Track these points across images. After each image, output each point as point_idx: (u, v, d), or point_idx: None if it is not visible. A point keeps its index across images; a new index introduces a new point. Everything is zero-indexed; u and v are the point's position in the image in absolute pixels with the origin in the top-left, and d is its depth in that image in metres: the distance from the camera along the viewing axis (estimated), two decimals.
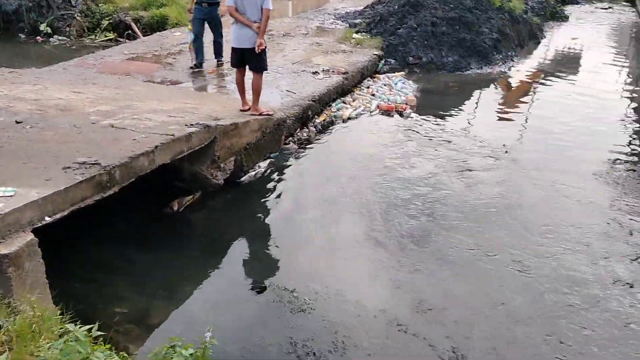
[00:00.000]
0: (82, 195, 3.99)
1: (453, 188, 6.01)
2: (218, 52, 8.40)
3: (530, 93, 9.40)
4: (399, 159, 6.70)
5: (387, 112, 8.19)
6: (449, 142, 7.21)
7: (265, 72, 6.41)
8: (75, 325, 2.77)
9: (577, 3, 16.80)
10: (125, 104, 6.11)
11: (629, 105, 8.94)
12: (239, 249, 5.05)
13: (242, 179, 6.10)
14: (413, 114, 8.12)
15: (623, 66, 11.36)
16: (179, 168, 5.53)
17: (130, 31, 11.87)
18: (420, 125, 7.78)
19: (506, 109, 8.66)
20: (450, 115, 8.26)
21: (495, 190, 6.01)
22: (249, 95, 6.42)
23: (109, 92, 6.71)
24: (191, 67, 8.28)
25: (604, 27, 14.16)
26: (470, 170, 6.45)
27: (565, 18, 14.65)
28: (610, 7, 15.68)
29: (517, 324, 4.04)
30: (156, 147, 4.69)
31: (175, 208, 5.43)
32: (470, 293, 4.38)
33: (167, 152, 4.83)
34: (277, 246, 5.04)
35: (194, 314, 4.14)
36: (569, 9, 15.62)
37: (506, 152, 6.93)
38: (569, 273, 4.58)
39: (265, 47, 6.09)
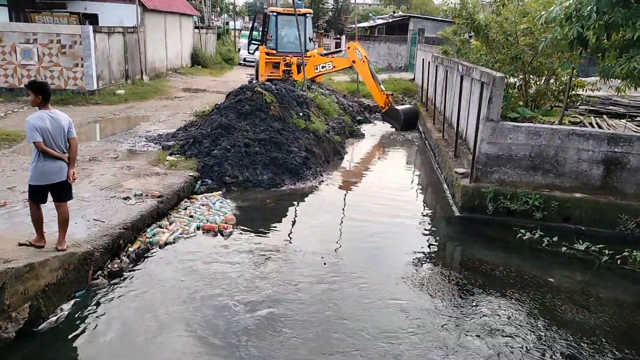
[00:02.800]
0: None
1: (279, 302, 5.99)
2: None
3: (341, 204, 10.14)
4: (221, 280, 6.51)
5: (208, 232, 8.06)
6: (270, 258, 7.27)
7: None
8: None
9: (370, 122, 19.17)
10: None
11: (422, 209, 10.14)
12: None
13: (40, 327, 5.29)
14: (234, 233, 8.11)
15: (413, 174, 13.02)
16: None
17: None
18: (242, 243, 7.76)
19: (320, 220, 9.14)
20: (270, 231, 8.43)
21: (317, 298, 6.18)
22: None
23: None
24: None
25: (395, 142, 16.27)
26: (293, 283, 6.54)
27: (361, 135, 16.53)
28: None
29: None
30: None
31: None
32: None
33: None
34: None
35: None
36: (364, 127, 17.71)
37: (325, 263, 7.21)
38: None
39: None
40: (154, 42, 23.95)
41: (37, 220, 5.78)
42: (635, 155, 8.67)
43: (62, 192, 5.85)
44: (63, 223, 5.89)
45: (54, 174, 5.67)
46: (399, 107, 17.49)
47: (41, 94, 5.60)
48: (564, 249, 7.87)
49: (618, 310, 6.39)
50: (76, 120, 5.98)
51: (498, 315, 6.10)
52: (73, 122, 6.00)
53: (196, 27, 31.98)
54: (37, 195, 5.71)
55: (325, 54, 21.10)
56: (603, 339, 5.73)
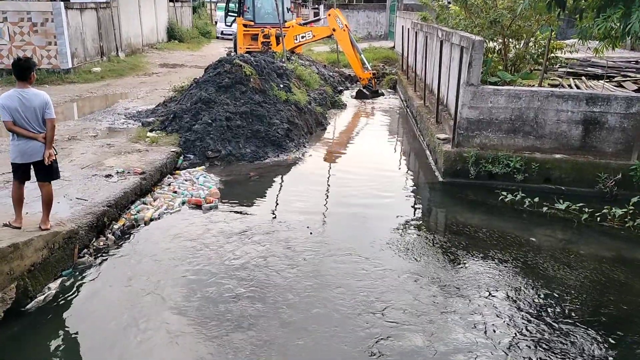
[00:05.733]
0: None
1: (267, 272, 6.03)
2: None
3: (324, 174, 10.15)
4: (207, 254, 6.53)
5: (193, 207, 8.04)
6: (256, 229, 7.29)
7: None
8: None
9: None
10: None
11: (405, 176, 10.22)
12: None
13: (28, 306, 5.28)
14: (219, 206, 8.09)
15: (396, 142, 13.06)
16: None
17: None
18: (227, 216, 7.76)
19: (305, 191, 9.16)
20: (255, 203, 8.44)
21: (305, 266, 6.23)
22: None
23: None
24: None
25: (377, 111, 16.26)
26: (280, 253, 6.58)
27: (343, 105, 16.48)
28: (382, 94, 18.11)
29: None
30: None
31: None
32: None
33: None
34: None
35: None
36: (345, 97, 17.63)
37: (311, 233, 7.26)
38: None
39: (56, 155, 5.82)
40: (128, 17, 23.35)
41: (18, 199, 5.71)
42: (613, 115, 8.79)
43: (41, 172, 5.77)
44: (47, 203, 5.84)
45: (29, 154, 5.60)
46: (368, 94, 17.90)
47: (14, 71, 5.51)
48: (545, 209, 8.02)
49: (598, 266, 6.57)
50: (53, 100, 5.83)
51: (482, 275, 6.23)
52: None
53: (170, 1, 31.20)
54: (17, 172, 5.67)
55: (305, 23, 20.82)
56: (584, 293, 5.91)
